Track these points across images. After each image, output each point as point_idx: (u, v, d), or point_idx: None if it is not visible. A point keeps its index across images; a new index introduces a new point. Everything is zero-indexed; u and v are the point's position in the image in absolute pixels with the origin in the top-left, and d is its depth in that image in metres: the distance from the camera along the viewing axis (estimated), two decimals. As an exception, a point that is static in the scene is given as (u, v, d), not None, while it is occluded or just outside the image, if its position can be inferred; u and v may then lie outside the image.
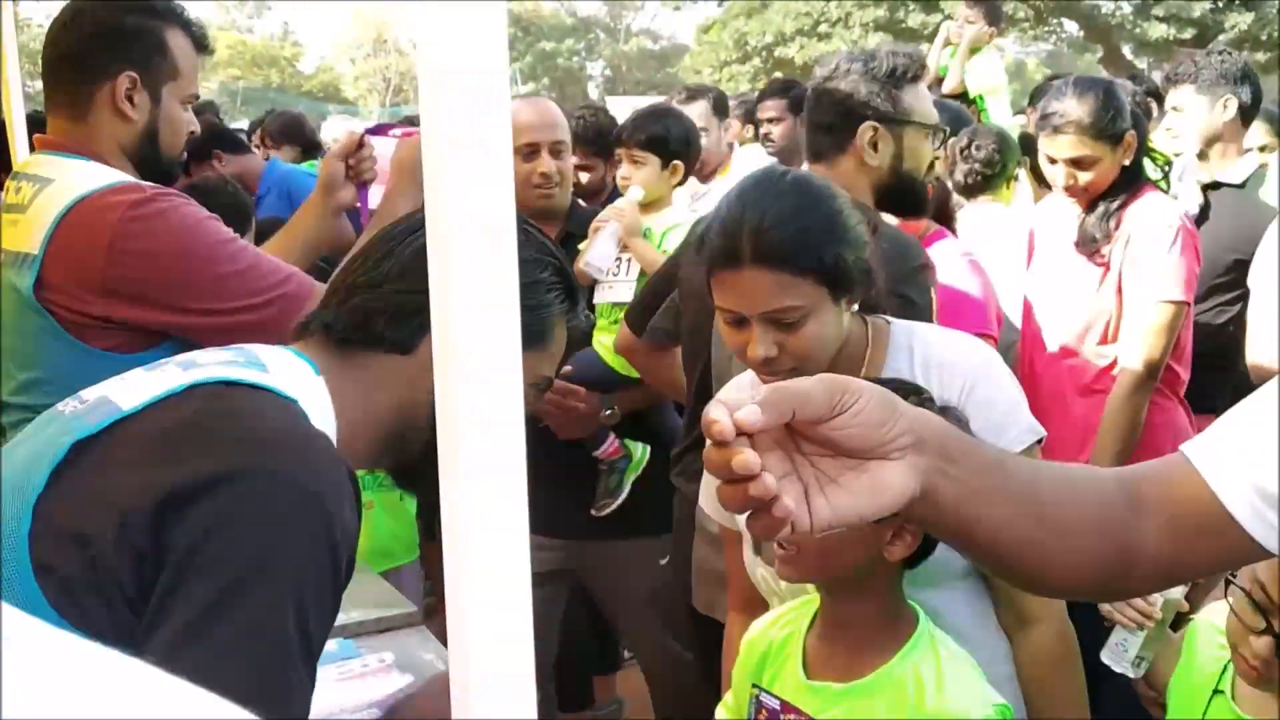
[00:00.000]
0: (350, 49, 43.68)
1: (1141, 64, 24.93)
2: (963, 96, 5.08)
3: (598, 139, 3.49)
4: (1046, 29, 26.80)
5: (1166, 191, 3.04)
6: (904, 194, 2.20)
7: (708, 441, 0.78)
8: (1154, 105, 4.08)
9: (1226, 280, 3.09)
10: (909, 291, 1.96)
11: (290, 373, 1.14)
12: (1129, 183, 2.73)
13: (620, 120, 3.29)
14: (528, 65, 37.00)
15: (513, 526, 0.63)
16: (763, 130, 4.64)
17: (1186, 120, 3.26)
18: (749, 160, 4.30)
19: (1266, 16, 22.88)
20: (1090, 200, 2.74)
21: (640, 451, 2.64)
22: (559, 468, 2.41)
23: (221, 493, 0.97)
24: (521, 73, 35.61)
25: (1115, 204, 2.70)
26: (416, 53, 0.63)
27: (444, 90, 0.61)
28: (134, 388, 1.08)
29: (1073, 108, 2.67)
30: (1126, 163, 2.71)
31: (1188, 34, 23.59)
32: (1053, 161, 2.74)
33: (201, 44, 2.04)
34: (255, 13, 49.36)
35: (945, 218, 3.15)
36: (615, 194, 3.89)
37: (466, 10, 0.60)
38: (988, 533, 0.92)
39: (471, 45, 0.61)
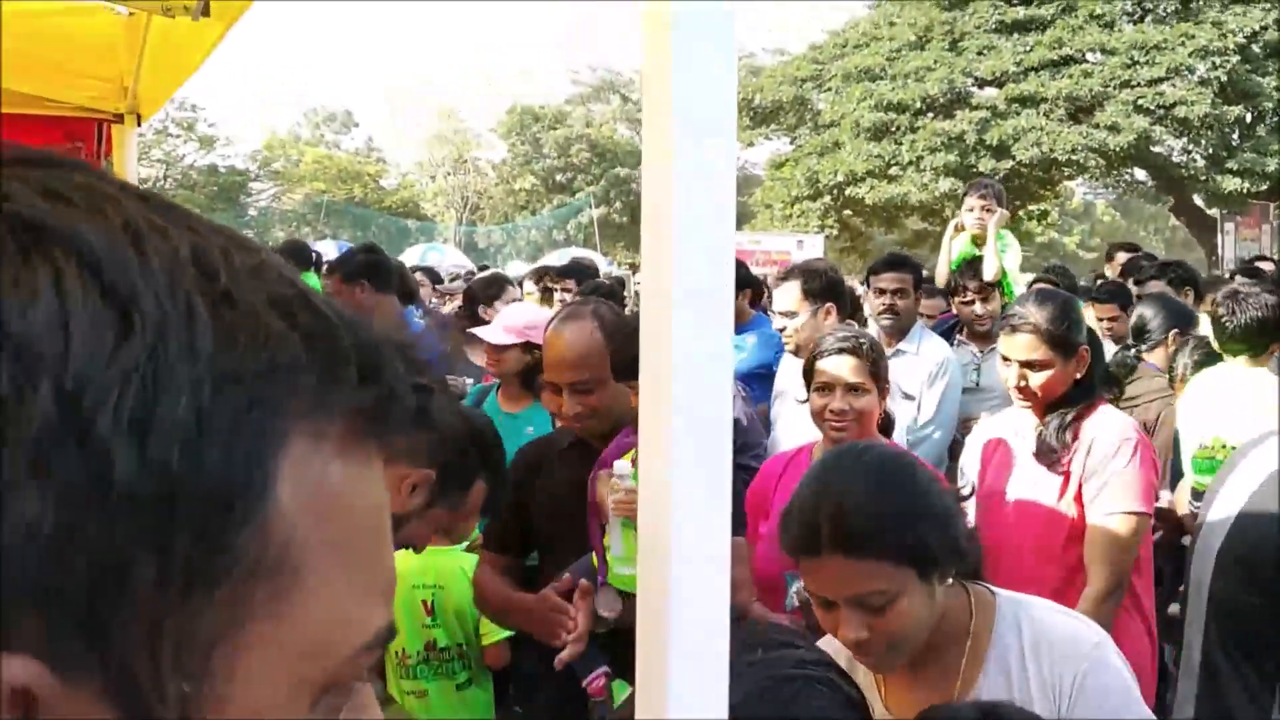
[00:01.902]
0: (431, 167, 45.24)
1: (1213, 213, 24.95)
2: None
3: None
4: (1116, 176, 26.98)
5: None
6: None
7: None
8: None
9: None
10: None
11: None
12: (1083, 395, 2.79)
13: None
14: (601, 189, 37.96)
15: (715, 516, 0.67)
16: (886, 302, 4.50)
17: None
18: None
19: (1343, 173, 22.87)
20: (1043, 407, 2.80)
21: (627, 695, 2.47)
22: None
23: None
24: (595, 197, 36.52)
25: (1070, 415, 2.76)
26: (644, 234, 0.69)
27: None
28: None
29: (1032, 311, 2.81)
30: (1079, 376, 2.79)
31: (1262, 188, 23.60)
32: (1007, 361, 2.83)
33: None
34: (343, 129, 51.52)
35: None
36: None
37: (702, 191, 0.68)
38: None
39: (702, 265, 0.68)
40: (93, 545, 0.35)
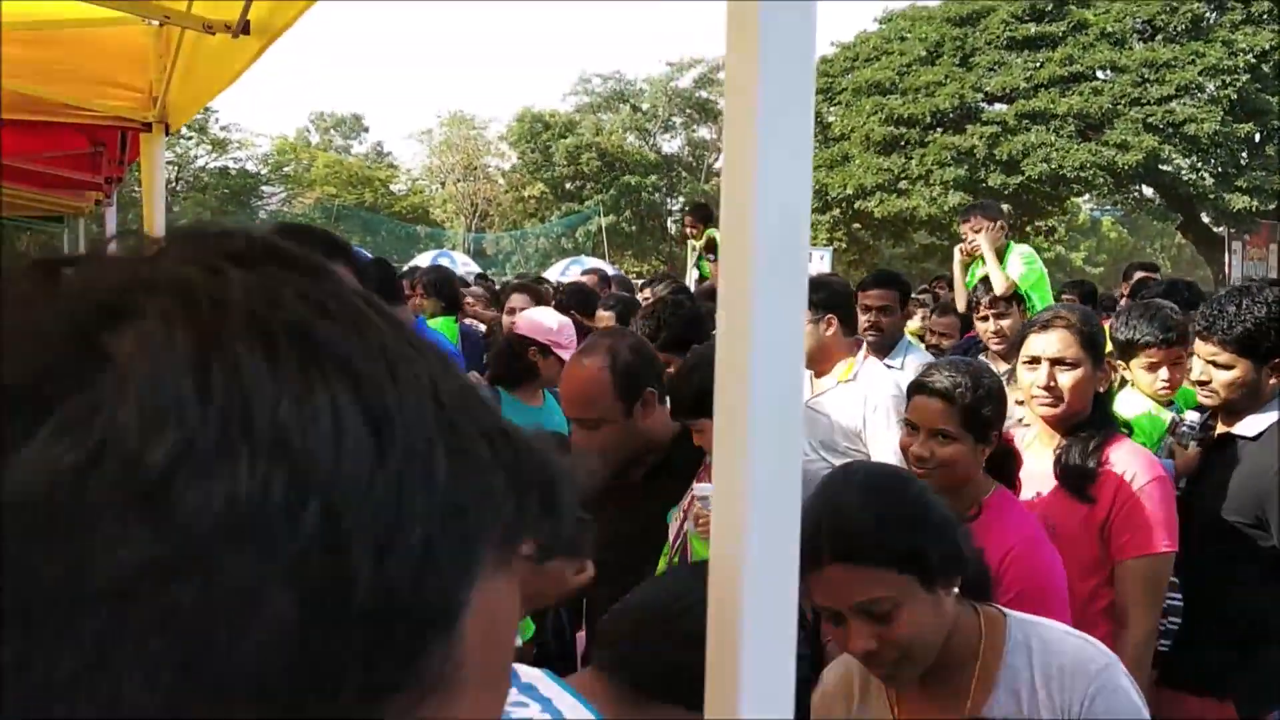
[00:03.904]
0: (441, 173, 45.33)
1: (1220, 231, 24.94)
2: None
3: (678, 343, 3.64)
4: (1124, 193, 26.98)
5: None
6: None
7: None
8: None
9: (1227, 546, 2.88)
10: None
11: None
12: (1103, 420, 2.74)
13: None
14: (610, 198, 38.00)
15: (784, 519, 0.74)
16: (871, 319, 4.49)
17: (1226, 379, 2.97)
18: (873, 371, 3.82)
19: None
20: (1063, 420, 2.71)
21: None
22: None
23: None
24: (604, 204, 36.56)
25: (1094, 441, 2.67)
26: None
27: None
28: None
29: (1065, 312, 2.82)
30: (1100, 389, 2.74)
31: (1271, 206, 23.61)
32: (1034, 363, 2.73)
33: (366, 276, 2.12)
34: (351, 133, 51.65)
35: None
36: None
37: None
38: None
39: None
40: (319, 654, 0.36)
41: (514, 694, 1.18)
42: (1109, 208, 38.05)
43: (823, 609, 1.61)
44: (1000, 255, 5.29)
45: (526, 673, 1.22)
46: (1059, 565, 2.38)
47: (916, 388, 2.59)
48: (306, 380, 0.37)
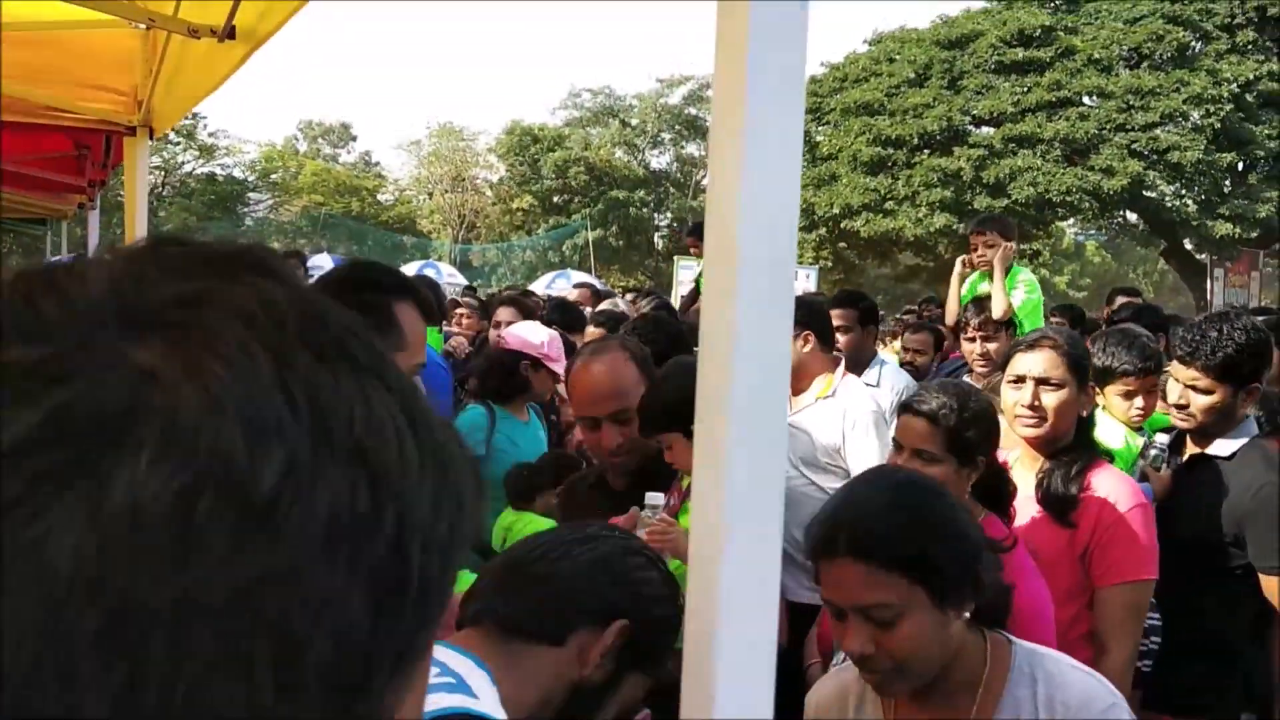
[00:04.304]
0: (429, 184, 45.30)
1: (1203, 258, 25.14)
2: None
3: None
4: (1109, 218, 27.16)
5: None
6: None
7: None
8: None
9: (1201, 566, 2.89)
10: None
11: (482, 688, 1.23)
12: (1086, 445, 2.72)
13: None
14: (597, 213, 38.03)
15: (767, 517, 0.71)
16: None
17: (1205, 403, 2.97)
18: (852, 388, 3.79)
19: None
20: (1045, 443, 2.69)
21: None
22: None
23: None
24: (591, 219, 36.58)
25: (1076, 466, 2.65)
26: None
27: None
28: None
29: (1051, 331, 2.82)
30: (1084, 414, 2.72)
31: (1253, 234, 23.80)
32: (1019, 382, 2.69)
33: (430, 313, 2.07)
34: (340, 143, 51.59)
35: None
36: None
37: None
38: None
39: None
40: (379, 646, 0.39)
41: None
42: (1093, 232, 38.33)
43: (827, 602, 1.60)
44: (1005, 274, 5.15)
45: None
46: (1047, 594, 2.35)
47: (904, 408, 2.58)
48: (363, 391, 0.39)
